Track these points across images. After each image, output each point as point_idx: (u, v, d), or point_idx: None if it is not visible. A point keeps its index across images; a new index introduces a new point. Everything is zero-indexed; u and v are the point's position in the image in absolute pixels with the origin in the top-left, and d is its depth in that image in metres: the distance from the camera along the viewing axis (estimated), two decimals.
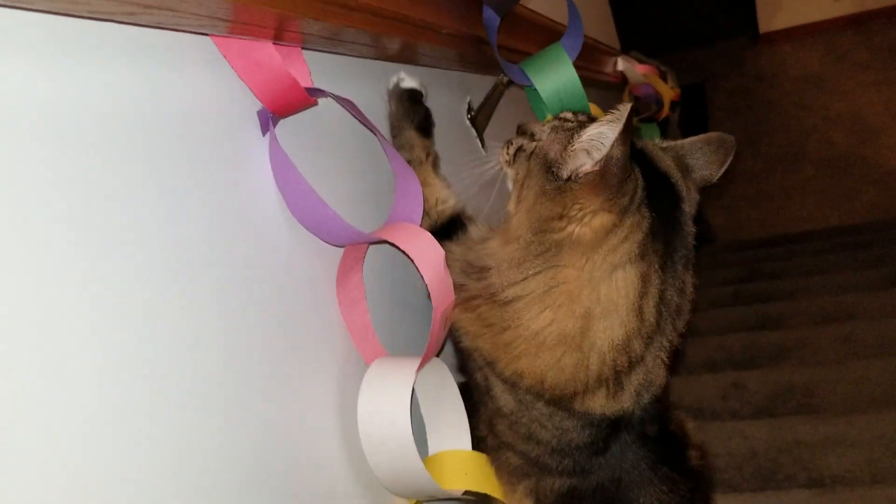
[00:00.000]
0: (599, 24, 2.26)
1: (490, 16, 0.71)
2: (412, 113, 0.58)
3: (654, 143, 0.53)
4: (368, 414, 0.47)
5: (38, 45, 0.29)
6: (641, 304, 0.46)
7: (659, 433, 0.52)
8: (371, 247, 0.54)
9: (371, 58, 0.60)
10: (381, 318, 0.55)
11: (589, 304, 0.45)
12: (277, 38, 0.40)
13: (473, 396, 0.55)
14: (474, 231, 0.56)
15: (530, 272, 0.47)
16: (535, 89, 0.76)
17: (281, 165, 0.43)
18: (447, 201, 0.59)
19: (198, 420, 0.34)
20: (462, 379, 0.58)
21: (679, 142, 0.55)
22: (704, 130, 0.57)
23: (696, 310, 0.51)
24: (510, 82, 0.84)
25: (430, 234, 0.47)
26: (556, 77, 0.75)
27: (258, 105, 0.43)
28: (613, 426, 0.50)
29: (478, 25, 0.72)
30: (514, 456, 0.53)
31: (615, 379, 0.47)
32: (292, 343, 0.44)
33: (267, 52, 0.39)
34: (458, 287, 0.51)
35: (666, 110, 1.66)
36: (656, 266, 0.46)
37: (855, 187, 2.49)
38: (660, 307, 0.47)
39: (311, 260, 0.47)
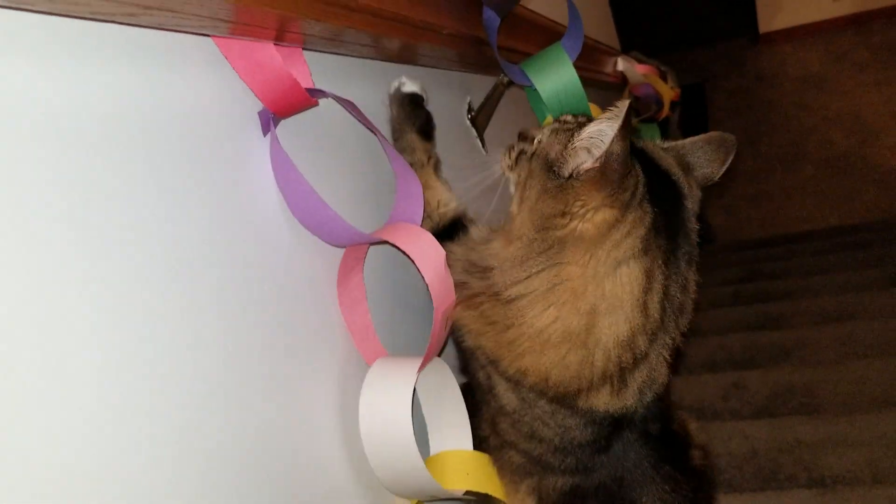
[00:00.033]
0: (599, 24, 2.26)
1: (490, 16, 0.71)
2: (413, 117, 0.59)
3: (654, 143, 0.54)
4: (370, 414, 0.47)
5: (40, 46, 0.29)
6: (646, 300, 0.46)
7: (661, 432, 0.52)
8: (372, 247, 0.54)
9: (372, 58, 0.60)
10: (382, 318, 0.55)
11: (593, 301, 0.45)
12: (278, 38, 0.40)
13: (475, 396, 0.55)
14: (475, 232, 0.56)
15: (533, 270, 0.47)
16: (536, 89, 0.76)
17: (282, 166, 0.43)
18: (449, 204, 0.60)
19: (198, 420, 0.34)
20: (464, 380, 0.58)
21: (679, 142, 0.55)
22: (704, 130, 0.57)
23: (697, 310, 0.51)
24: (510, 83, 0.84)
25: (430, 235, 0.47)
26: (556, 77, 0.75)
27: (259, 106, 0.43)
28: (616, 424, 0.50)
29: (478, 26, 0.72)
30: (517, 454, 0.53)
31: (619, 376, 0.47)
32: (292, 343, 0.44)
33: (268, 53, 0.39)
34: (460, 285, 0.51)
35: (666, 110, 1.66)
36: (660, 262, 0.46)
37: (855, 187, 2.49)
38: (664, 303, 0.47)
39: (312, 260, 0.47)
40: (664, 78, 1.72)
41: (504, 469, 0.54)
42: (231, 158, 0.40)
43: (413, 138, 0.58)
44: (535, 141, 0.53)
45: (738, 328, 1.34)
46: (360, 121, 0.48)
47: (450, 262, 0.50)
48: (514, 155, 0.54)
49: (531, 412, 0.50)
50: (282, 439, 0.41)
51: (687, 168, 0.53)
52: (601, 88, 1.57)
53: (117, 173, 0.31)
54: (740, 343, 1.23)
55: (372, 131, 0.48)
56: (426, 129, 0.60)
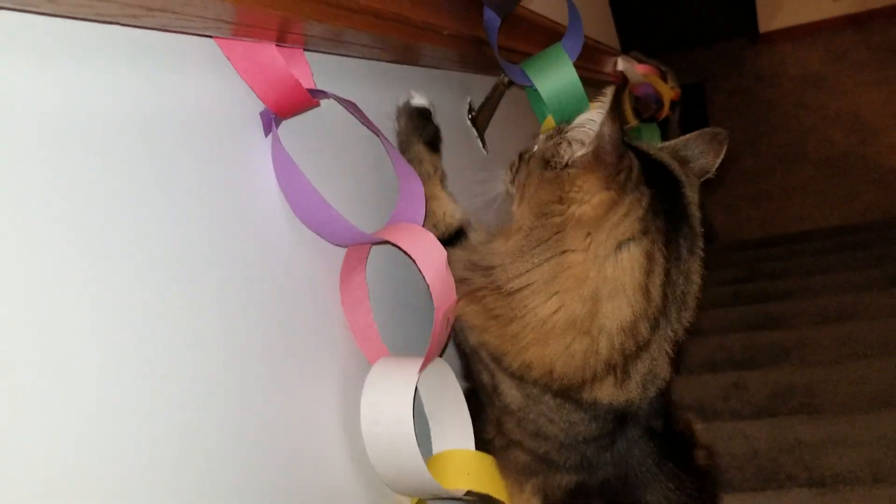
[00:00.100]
0: (599, 24, 2.26)
1: (491, 17, 0.71)
2: (422, 129, 0.59)
3: (648, 143, 0.55)
4: (371, 413, 0.47)
5: (42, 47, 0.29)
6: (647, 283, 0.46)
7: (664, 429, 0.52)
8: (374, 247, 0.54)
9: (373, 59, 0.60)
10: (383, 318, 0.55)
11: (596, 285, 0.46)
12: (280, 39, 0.40)
13: (480, 398, 0.55)
14: (476, 237, 0.57)
15: (535, 261, 0.47)
16: (536, 90, 0.76)
17: (284, 166, 0.43)
18: (454, 214, 0.60)
19: (198, 420, 0.34)
20: (466, 385, 0.58)
21: (672, 141, 0.56)
22: None
23: (698, 309, 0.51)
24: (511, 83, 0.84)
25: (432, 235, 0.47)
26: (556, 77, 0.75)
27: (261, 106, 0.43)
28: (620, 420, 0.50)
29: (478, 26, 0.72)
30: (523, 454, 0.53)
31: (622, 366, 0.47)
32: (293, 343, 0.44)
33: (270, 54, 0.39)
34: (462, 281, 0.51)
35: (666, 110, 1.67)
36: (660, 244, 0.46)
37: (855, 187, 2.49)
38: (665, 289, 0.47)
39: (312, 260, 0.47)
40: (664, 78, 1.72)
41: (509, 469, 0.54)
42: (232, 159, 0.40)
43: (420, 150, 0.59)
44: (534, 147, 0.54)
45: (738, 328, 1.34)
46: (362, 122, 0.48)
47: (451, 263, 0.50)
48: (515, 169, 0.55)
49: (536, 409, 0.50)
50: (282, 439, 0.41)
51: (682, 161, 0.54)
52: (601, 88, 1.57)
53: (118, 173, 0.31)
54: (740, 343, 1.23)
55: (374, 132, 0.48)
56: (434, 142, 0.60)
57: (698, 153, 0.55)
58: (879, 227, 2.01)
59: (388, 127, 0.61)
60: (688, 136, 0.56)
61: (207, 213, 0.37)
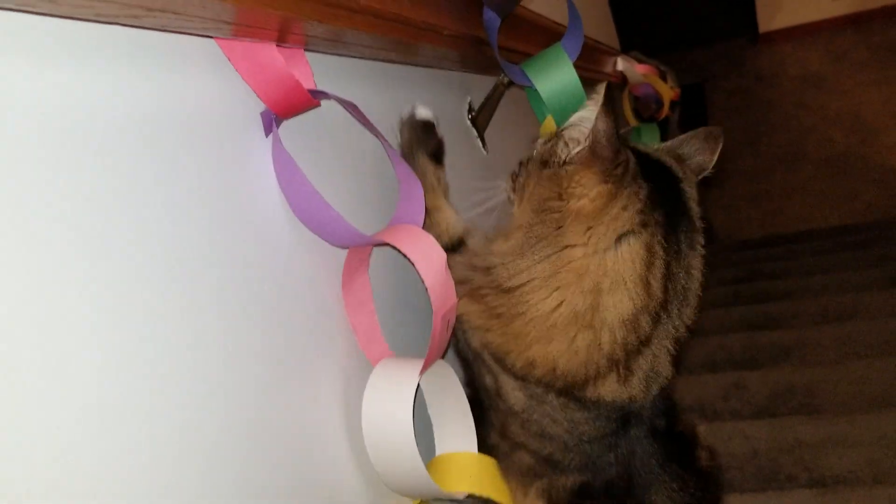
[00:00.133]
0: (599, 24, 2.26)
1: (491, 17, 0.71)
2: (426, 141, 0.60)
3: (644, 144, 0.56)
4: (372, 415, 0.47)
5: (43, 47, 0.29)
6: (648, 275, 0.46)
7: (667, 429, 0.52)
8: (375, 248, 0.54)
9: (373, 59, 0.60)
10: (384, 318, 0.55)
11: (597, 279, 0.46)
12: (281, 40, 0.40)
13: (482, 405, 0.55)
14: (474, 242, 0.57)
15: (535, 257, 0.48)
16: (536, 90, 0.76)
17: (284, 166, 0.43)
18: (456, 226, 0.61)
19: (198, 420, 0.34)
20: (469, 392, 0.58)
21: (668, 142, 0.57)
22: None
23: (699, 308, 0.51)
24: (511, 83, 0.84)
25: (431, 237, 0.47)
26: (556, 77, 0.75)
27: (261, 106, 0.43)
28: (624, 420, 0.50)
29: (478, 27, 0.72)
30: (527, 456, 0.53)
31: (625, 362, 0.47)
32: (293, 343, 0.44)
33: (270, 55, 0.39)
34: (463, 282, 0.52)
35: (666, 110, 1.67)
36: (660, 237, 0.47)
37: (855, 187, 2.49)
38: (666, 282, 0.47)
39: (312, 260, 0.47)
40: (664, 78, 1.72)
41: (513, 472, 0.54)
42: (232, 159, 0.40)
43: (424, 162, 0.59)
44: (533, 153, 0.54)
45: (738, 328, 1.34)
46: (362, 123, 0.48)
47: (451, 267, 0.50)
48: (515, 178, 0.55)
49: (540, 409, 0.50)
50: (282, 438, 0.41)
51: (679, 159, 0.54)
52: (611, 90, 1.57)
53: (118, 173, 0.31)
54: (740, 343, 1.23)
55: (375, 134, 0.48)
56: (437, 154, 0.61)
57: (695, 151, 0.56)
58: (879, 226, 2.01)
59: (389, 128, 0.61)
60: (683, 135, 0.56)
61: (207, 213, 0.37)
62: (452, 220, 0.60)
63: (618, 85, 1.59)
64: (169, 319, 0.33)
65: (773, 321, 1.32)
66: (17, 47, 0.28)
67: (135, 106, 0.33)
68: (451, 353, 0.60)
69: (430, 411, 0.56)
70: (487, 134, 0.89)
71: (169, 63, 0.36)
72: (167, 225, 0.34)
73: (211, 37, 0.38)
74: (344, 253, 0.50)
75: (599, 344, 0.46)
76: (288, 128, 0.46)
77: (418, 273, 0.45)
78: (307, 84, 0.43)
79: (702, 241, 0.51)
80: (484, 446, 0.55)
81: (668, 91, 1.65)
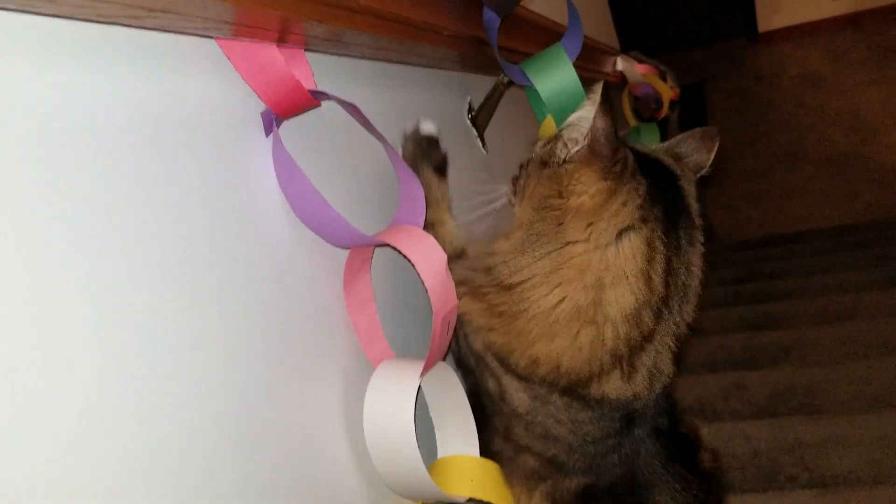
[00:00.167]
0: (599, 24, 2.26)
1: (491, 17, 0.71)
2: (430, 155, 0.60)
3: (641, 144, 0.56)
4: (374, 416, 0.47)
5: (43, 47, 0.29)
6: (649, 270, 0.46)
7: (670, 429, 0.52)
8: (377, 249, 0.54)
9: (373, 59, 0.60)
10: (386, 320, 0.55)
11: (599, 274, 0.46)
12: (281, 40, 0.40)
13: (485, 411, 0.55)
14: (474, 247, 0.58)
15: (537, 254, 0.48)
16: (536, 90, 0.76)
17: (285, 166, 0.43)
18: (460, 238, 0.61)
19: (198, 420, 0.34)
20: (472, 400, 0.57)
21: (665, 142, 0.58)
22: None
23: (699, 308, 0.52)
24: (510, 83, 0.84)
25: (432, 238, 0.47)
26: (556, 77, 0.75)
27: (261, 107, 0.43)
28: (627, 420, 0.50)
29: (478, 27, 0.72)
30: (531, 458, 0.53)
31: (629, 358, 0.47)
32: (293, 343, 0.44)
33: (270, 55, 0.39)
34: (463, 282, 0.52)
35: (665, 110, 1.67)
36: (659, 232, 0.47)
37: (855, 186, 2.49)
38: (667, 277, 0.47)
39: (313, 260, 0.47)
40: (663, 77, 1.72)
41: (518, 476, 0.54)
42: (232, 158, 0.40)
43: (429, 176, 0.60)
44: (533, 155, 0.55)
45: (738, 328, 1.34)
46: (363, 125, 0.48)
47: (452, 269, 0.50)
48: (516, 182, 0.56)
49: (544, 410, 0.50)
50: (283, 438, 0.41)
51: (677, 158, 0.55)
52: (608, 90, 1.56)
53: (118, 173, 0.31)
54: (741, 343, 1.23)
55: (375, 136, 0.48)
56: (441, 168, 0.61)
57: (692, 150, 0.56)
58: (879, 226, 2.01)
59: (389, 128, 0.61)
60: (680, 136, 0.57)
61: (207, 212, 0.37)
62: (455, 233, 0.61)
63: (617, 85, 1.59)
64: (169, 319, 0.33)
65: (773, 321, 1.32)
66: (18, 47, 0.28)
67: (135, 106, 0.33)
68: (452, 361, 0.60)
69: (432, 414, 0.56)
70: (487, 134, 0.89)
71: (169, 63, 0.36)
72: (167, 225, 0.34)
73: (211, 37, 0.38)
74: (344, 253, 0.50)
75: (603, 340, 0.47)
76: (288, 128, 0.46)
77: (418, 274, 0.45)
78: (307, 84, 0.43)
79: (701, 238, 0.51)
80: (487, 452, 0.55)
81: (667, 91, 1.65)
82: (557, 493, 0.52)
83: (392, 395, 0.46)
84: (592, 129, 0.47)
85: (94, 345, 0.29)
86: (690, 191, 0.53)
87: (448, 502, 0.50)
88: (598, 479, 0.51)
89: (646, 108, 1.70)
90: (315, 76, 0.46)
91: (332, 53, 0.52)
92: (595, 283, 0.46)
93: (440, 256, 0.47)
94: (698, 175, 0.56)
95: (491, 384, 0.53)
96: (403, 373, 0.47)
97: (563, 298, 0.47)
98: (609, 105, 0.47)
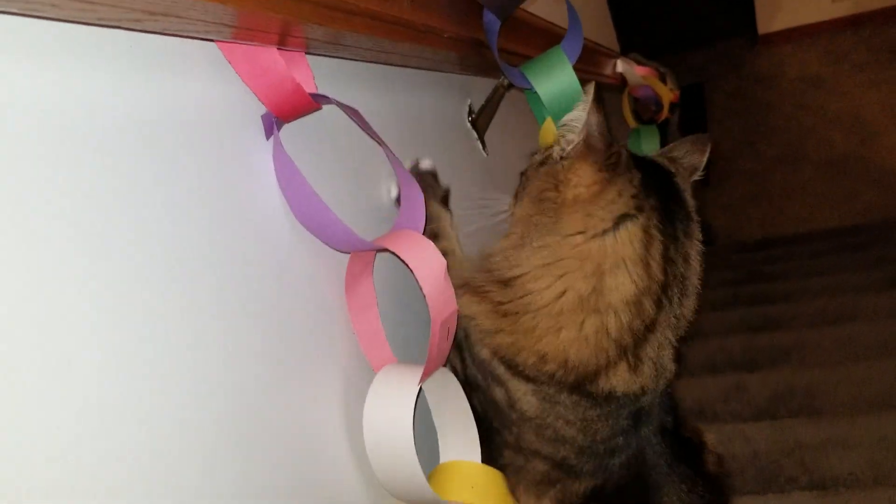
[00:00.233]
0: (599, 26, 2.27)
1: (491, 20, 0.71)
2: (435, 188, 0.62)
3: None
4: (373, 422, 0.47)
5: (44, 48, 0.29)
6: (647, 256, 0.48)
7: (675, 429, 0.53)
8: (378, 253, 0.54)
9: (373, 62, 0.60)
10: (386, 323, 0.55)
11: (598, 261, 0.47)
12: (281, 43, 0.41)
13: (493, 426, 0.55)
14: (472, 260, 0.59)
15: (535, 245, 0.49)
16: (536, 92, 0.76)
17: (285, 169, 0.43)
18: (468, 268, 0.62)
19: (198, 420, 0.34)
20: (479, 418, 0.57)
21: (659, 150, 0.60)
22: (704, 131, 0.61)
23: (698, 312, 0.52)
24: (510, 85, 0.85)
25: (431, 244, 0.47)
26: (556, 80, 0.75)
27: (262, 109, 0.44)
28: (635, 418, 0.50)
29: (478, 29, 0.73)
30: (542, 463, 0.52)
31: (633, 348, 0.48)
32: (293, 342, 0.44)
33: (271, 58, 0.40)
34: (464, 284, 0.53)
35: (665, 112, 1.67)
36: (655, 220, 0.49)
37: (854, 188, 2.49)
38: (665, 265, 0.48)
39: (313, 259, 0.47)
40: (663, 79, 1.72)
41: (527, 483, 0.54)
42: (232, 159, 0.41)
43: (438, 209, 0.61)
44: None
45: (738, 330, 1.34)
46: (363, 129, 0.48)
47: (452, 276, 0.51)
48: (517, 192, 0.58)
49: (553, 411, 0.50)
50: (283, 438, 0.41)
51: (671, 160, 0.57)
52: (601, 90, 1.57)
53: (118, 173, 0.32)
54: (740, 345, 1.23)
55: (376, 140, 0.48)
56: (445, 200, 0.64)
57: (686, 153, 0.58)
58: (878, 228, 2.01)
59: (389, 132, 0.61)
60: (673, 143, 0.60)
61: (207, 212, 0.38)
62: (465, 265, 0.61)
63: (618, 87, 1.59)
64: (169, 319, 0.33)
65: (772, 323, 1.32)
66: (19, 48, 0.28)
67: (135, 106, 0.33)
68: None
69: (435, 419, 0.56)
70: (487, 136, 0.90)
71: (170, 65, 0.36)
72: (167, 224, 0.34)
73: (212, 40, 0.38)
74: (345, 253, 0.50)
75: (607, 329, 0.47)
76: (288, 130, 0.46)
77: (416, 280, 0.45)
78: (308, 87, 0.44)
79: (698, 233, 0.53)
80: (495, 467, 0.55)
81: (667, 93, 1.65)
82: (566, 498, 0.52)
83: (392, 401, 0.46)
84: (587, 124, 0.48)
85: (94, 345, 0.29)
86: (685, 187, 0.54)
87: None
88: (606, 481, 0.51)
89: (646, 110, 1.71)
90: (315, 79, 0.46)
91: (332, 56, 0.52)
92: (595, 270, 0.47)
93: (439, 262, 0.47)
94: (693, 177, 0.58)
95: (499, 394, 0.53)
96: (404, 378, 0.47)
97: (566, 289, 0.48)
98: (602, 104, 0.49)
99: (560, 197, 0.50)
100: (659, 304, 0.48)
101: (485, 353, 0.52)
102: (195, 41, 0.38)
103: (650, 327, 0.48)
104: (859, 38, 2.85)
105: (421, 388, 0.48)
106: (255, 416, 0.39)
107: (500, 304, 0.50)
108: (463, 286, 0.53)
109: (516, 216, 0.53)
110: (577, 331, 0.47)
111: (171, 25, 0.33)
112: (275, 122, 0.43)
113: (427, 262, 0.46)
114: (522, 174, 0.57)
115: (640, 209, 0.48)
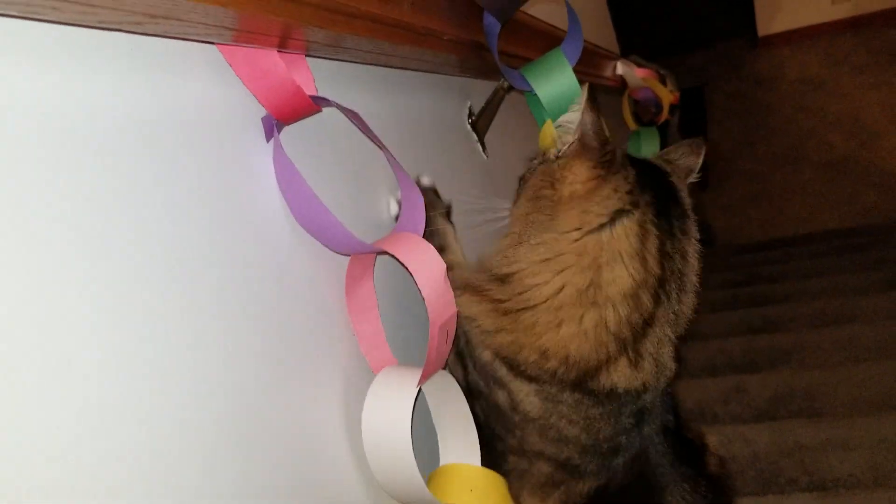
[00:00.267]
0: (599, 28, 2.27)
1: (491, 22, 0.71)
2: (438, 204, 0.63)
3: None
4: (372, 424, 0.47)
5: (46, 50, 0.29)
6: (643, 251, 0.48)
7: (676, 428, 0.53)
8: (378, 255, 0.54)
9: (374, 64, 0.60)
10: (386, 325, 0.55)
11: (594, 256, 0.48)
12: (282, 46, 0.41)
13: (496, 432, 0.55)
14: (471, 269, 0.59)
15: (532, 242, 0.50)
16: (536, 94, 0.76)
17: (285, 171, 0.43)
18: (467, 273, 0.63)
19: (198, 420, 0.34)
20: (480, 425, 0.57)
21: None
22: (704, 133, 0.62)
23: (697, 312, 0.52)
24: (511, 87, 0.85)
25: (431, 247, 0.47)
26: (556, 82, 0.76)
27: (262, 111, 0.44)
28: (638, 416, 0.50)
29: (479, 32, 0.73)
30: (546, 465, 0.53)
31: (633, 343, 0.48)
32: (293, 343, 0.44)
33: (272, 60, 0.40)
34: (464, 286, 0.53)
35: (665, 114, 1.67)
36: (651, 216, 0.49)
37: (854, 189, 2.49)
38: (662, 260, 0.49)
39: (313, 260, 0.47)
40: (663, 81, 1.73)
41: (531, 486, 0.54)
42: (233, 160, 0.41)
43: (443, 224, 0.62)
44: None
45: (738, 331, 1.34)
46: (363, 132, 0.48)
47: (451, 277, 0.51)
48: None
49: (556, 411, 0.50)
50: (282, 438, 0.41)
51: (667, 162, 0.58)
52: (601, 92, 1.58)
53: (118, 173, 0.32)
54: (740, 346, 1.23)
55: (376, 143, 0.48)
56: (448, 215, 0.65)
57: (681, 155, 0.59)
58: (877, 230, 2.01)
59: (389, 135, 0.61)
60: (668, 147, 0.61)
61: (207, 213, 0.38)
62: (468, 274, 0.62)
63: (617, 89, 1.60)
64: (169, 319, 0.33)
65: (772, 324, 1.33)
66: (21, 50, 0.28)
67: (135, 108, 0.34)
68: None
69: (435, 422, 0.56)
70: (487, 138, 0.90)
71: (170, 67, 0.37)
72: (167, 225, 0.34)
73: (213, 42, 0.39)
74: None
75: (606, 322, 0.48)
76: (289, 133, 0.47)
77: (415, 283, 0.45)
78: (308, 90, 0.44)
79: (695, 231, 0.53)
80: (500, 472, 0.55)
81: (667, 95, 1.65)
82: (570, 499, 0.52)
83: (390, 403, 0.46)
84: (581, 124, 0.49)
85: (94, 345, 0.29)
86: (681, 186, 0.55)
87: None
88: (610, 480, 0.51)
89: (646, 112, 1.71)
90: (316, 81, 0.46)
91: (332, 59, 0.52)
92: (592, 264, 0.48)
93: (439, 265, 0.47)
94: (689, 178, 0.59)
95: (501, 397, 0.53)
96: (403, 381, 0.47)
97: (564, 284, 0.48)
98: (596, 104, 0.50)
99: (556, 194, 0.50)
100: (657, 299, 0.49)
101: (486, 356, 0.52)
102: (196, 44, 0.38)
103: (649, 321, 0.48)
104: (859, 40, 2.86)
105: (421, 391, 0.48)
106: (255, 416, 0.39)
107: (500, 301, 0.51)
108: (463, 287, 0.53)
109: (514, 216, 0.54)
110: (577, 325, 0.48)
111: (172, 28, 0.33)
112: (275, 124, 0.43)
113: (426, 264, 0.46)
114: (521, 179, 0.58)
115: (635, 204, 0.49)
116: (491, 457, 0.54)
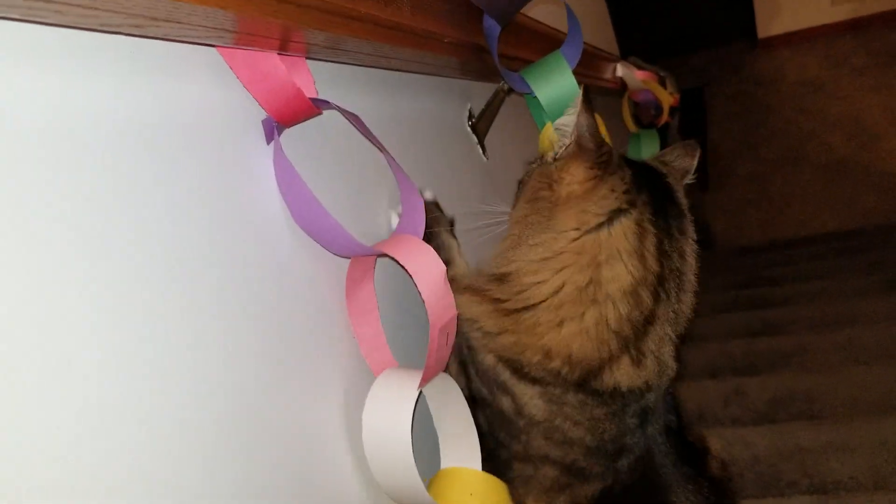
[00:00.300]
0: (599, 29, 2.28)
1: (491, 24, 0.72)
2: (441, 218, 0.64)
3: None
4: (372, 426, 0.47)
5: (47, 51, 0.29)
6: (641, 248, 0.49)
7: (678, 429, 0.54)
8: (378, 258, 0.54)
9: (374, 67, 0.60)
10: (386, 327, 0.55)
11: (593, 254, 0.49)
12: (282, 48, 0.41)
13: (499, 439, 0.54)
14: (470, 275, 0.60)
15: (531, 242, 0.51)
16: (536, 97, 0.77)
17: (285, 173, 0.43)
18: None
19: (198, 420, 0.35)
20: (487, 439, 0.57)
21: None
22: (704, 135, 0.62)
23: (697, 315, 0.52)
24: (511, 90, 0.85)
25: (431, 249, 0.47)
26: (556, 84, 0.76)
27: (263, 114, 0.44)
28: (642, 416, 0.51)
29: (479, 34, 0.73)
30: (551, 468, 0.53)
31: (634, 341, 0.48)
32: (293, 343, 0.44)
33: (272, 63, 0.40)
34: (465, 288, 0.53)
35: (665, 116, 1.67)
36: (648, 215, 0.50)
37: (854, 191, 2.49)
38: (660, 258, 0.50)
39: (313, 260, 0.48)
40: (663, 83, 1.73)
41: (536, 491, 0.54)
42: (233, 161, 0.41)
43: (447, 237, 0.63)
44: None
45: (738, 334, 1.34)
46: (364, 135, 0.48)
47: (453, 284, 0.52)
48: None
49: (561, 413, 0.50)
50: (282, 438, 0.41)
51: (662, 163, 0.59)
52: (601, 94, 1.58)
53: (118, 173, 0.32)
54: (740, 349, 1.22)
55: (377, 146, 0.48)
56: (451, 229, 0.65)
57: (677, 157, 0.60)
58: (877, 232, 2.01)
59: (389, 137, 0.61)
60: (664, 150, 0.62)
61: (207, 213, 0.38)
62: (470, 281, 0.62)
63: (617, 91, 1.60)
64: (169, 319, 0.34)
65: (772, 327, 1.32)
66: (22, 53, 0.28)
67: (136, 109, 0.34)
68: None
69: (436, 425, 0.56)
70: (488, 140, 0.90)
71: (171, 70, 0.37)
72: (167, 225, 0.35)
73: (213, 45, 0.39)
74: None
75: (607, 320, 0.48)
76: (289, 135, 0.47)
77: (415, 285, 0.45)
78: (309, 92, 0.44)
79: (693, 231, 0.54)
80: (504, 480, 0.54)
81: (667, 97, 1.65)
82: (576, 502, 0.52)
83: (391, 406, 0.46)
84: (577, 126, 0.50)
85: (94, 345, 0.29)
86: (677, 187, 0.56)
87: None
88: (615, 482, 0.51)
89: (646, 114, 1.71)
90: (316, 84, 0.47)
91: (332, 61, 0.52)
92: (591, 262, 0.48)
93: (439, 268, 0.47)
94: (685, 180, 0.59)
95: (505, 402, 0.52)
96: (403, 384, 0.47)
97: (564, 283, 0.49)
98: (591, 106, 0.51)
99: (554, 195, 0.51)
100: (656, 296, 0.49)
101: (489, 360, 0.52)
102: (196, 46, 0.38)
103: (649, 319, 0.49)
104: (859, 41, 2.86)
105: (421, 393, 0.48)
106: (256, 417, 0.39)
107: (500, 301, 0.51)
108: (463, 289, 0.53)
109: (513, 218, 0.54)
110: (578, 323, 0.48)
111: (173, 31, 0.33)
112: (275, 126, 0.43)
113: (427, 267, 0.46)
114: (520, 182, 0.58)
115: (632, 204, 0.50)
116: (495, 466, 0.54)
